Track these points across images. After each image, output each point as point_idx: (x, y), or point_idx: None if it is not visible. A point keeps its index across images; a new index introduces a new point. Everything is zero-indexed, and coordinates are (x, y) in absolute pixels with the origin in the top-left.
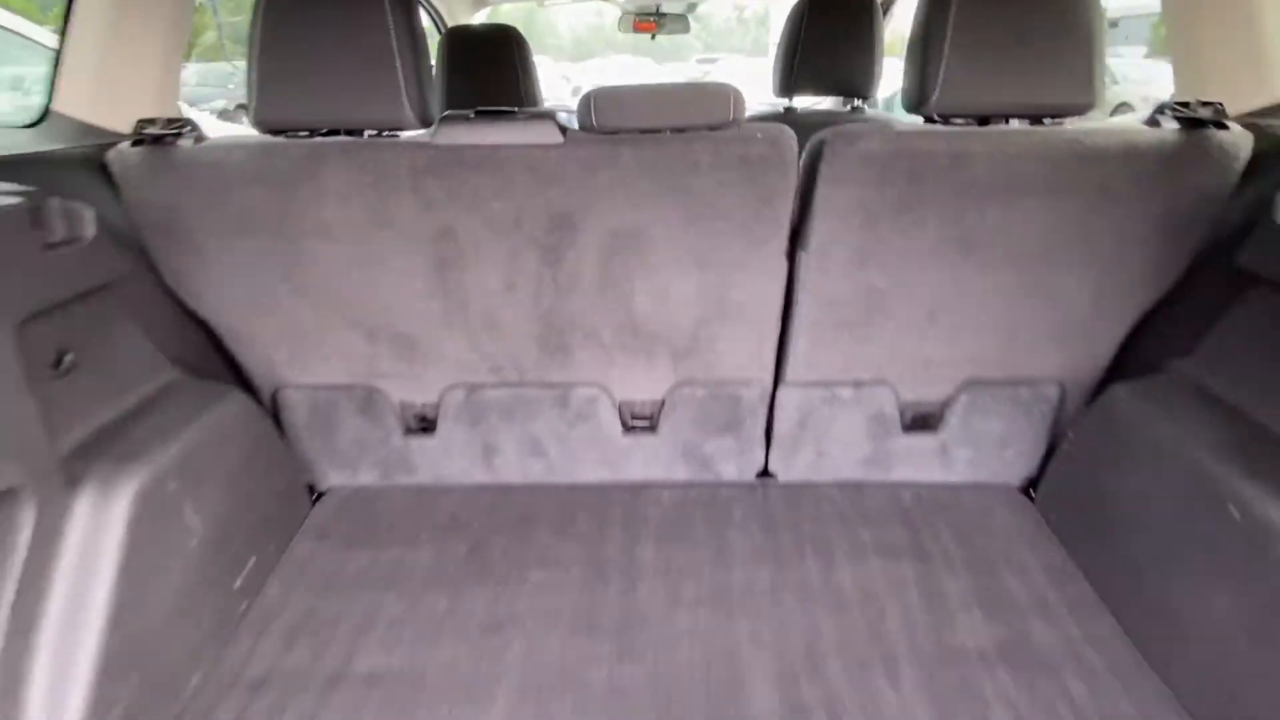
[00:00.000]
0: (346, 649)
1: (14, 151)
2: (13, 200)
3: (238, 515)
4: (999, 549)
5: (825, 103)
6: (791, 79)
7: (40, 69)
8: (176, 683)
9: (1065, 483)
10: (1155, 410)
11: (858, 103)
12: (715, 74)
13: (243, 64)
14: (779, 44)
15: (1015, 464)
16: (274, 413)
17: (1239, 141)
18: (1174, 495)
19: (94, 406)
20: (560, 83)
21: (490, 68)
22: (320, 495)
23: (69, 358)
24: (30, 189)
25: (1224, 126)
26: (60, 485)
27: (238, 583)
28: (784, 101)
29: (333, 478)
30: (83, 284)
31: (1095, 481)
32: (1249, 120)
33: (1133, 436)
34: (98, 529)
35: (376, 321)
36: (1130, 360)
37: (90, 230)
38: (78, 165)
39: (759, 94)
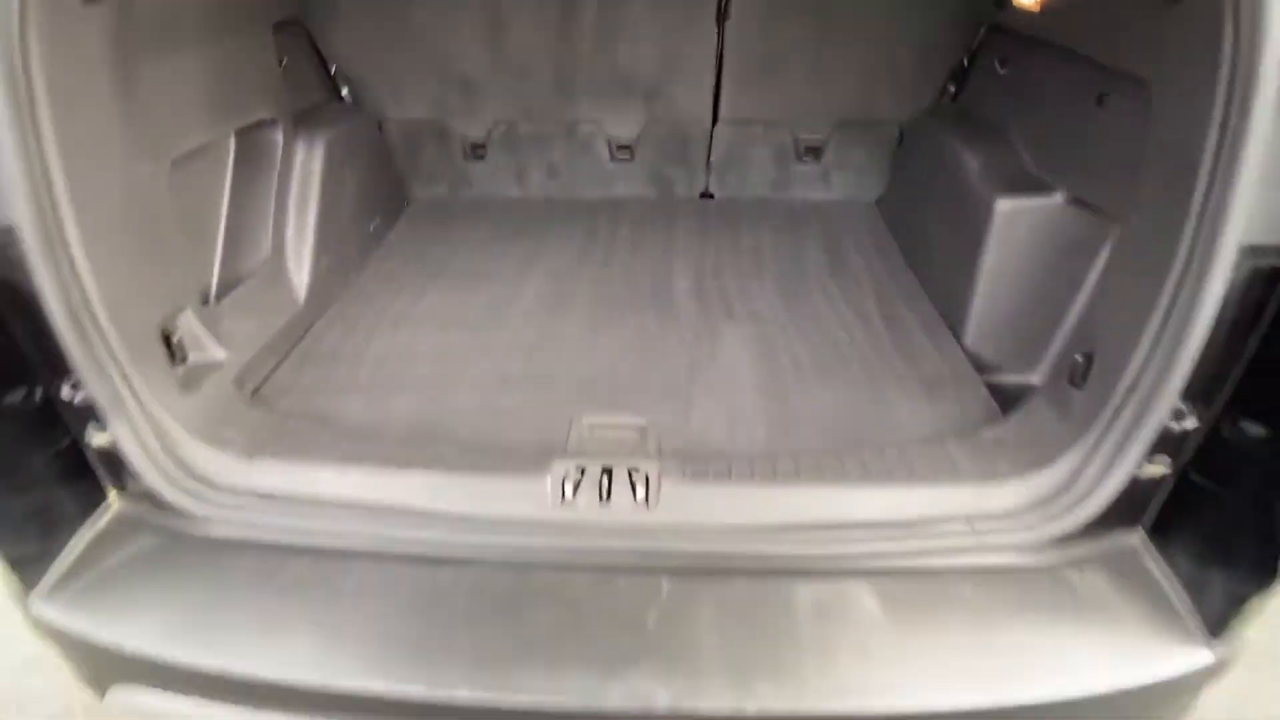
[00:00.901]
0: (441, 264)
1: None
2: None
3: (368, 188)
4: (848, 231)
5: None
6: None
7: None
8: (346, 269)
9: (894, 188)
10: (937, 126)
11: None
12: None
13: None
14: None
15: (872, 186)
16: None
17: None
18: (933, 169)
19: (294, 96)
20: None
21: None
22: (408, 202)
23: (285, 60)
24: None
25: None
26: (290, 131)
27: (371, 228)
28: None
29: (416, 190)
30: (291, 12)
31: (906, 179)
32: None
33: (923, 144)
34: (309, 159)
35: (448, 69)
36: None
37: None
38: None
39: None
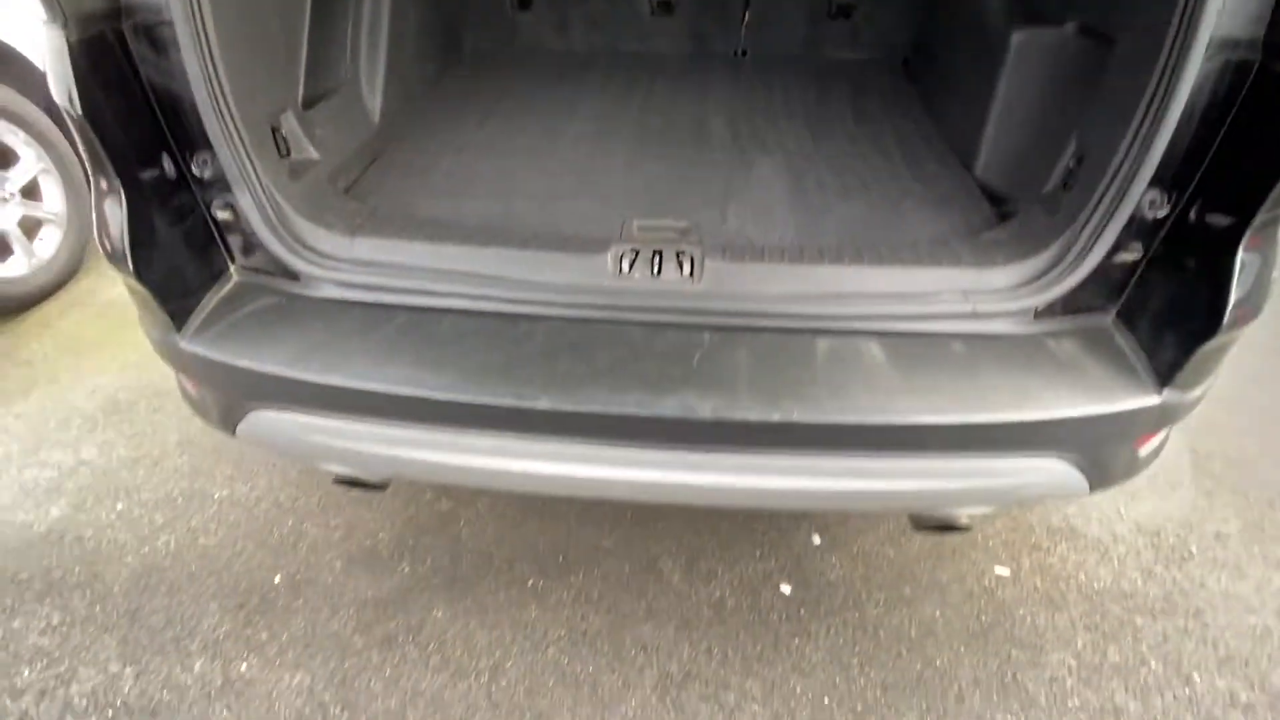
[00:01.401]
0: (494, 102)
1: None
2: None
3: (427, 30)
4: (874, 85)
5: None
6: None
7: None
8: (411, 100)
9: (920, 45)
10: None
11: None
12: None
13: None
14: None
15: (900, 47)
16: None
17: None
18: (955, 19)
19: None
20: None
21: None
22: (460, 52)
23: None
24: None
25: None
26: None
27: (431, 69)
28: None
29: (467, 40)
30: None
31: (930, 34)
32: None
33: None
34: None
35: None
36: None
37: None
38: None
39: None
